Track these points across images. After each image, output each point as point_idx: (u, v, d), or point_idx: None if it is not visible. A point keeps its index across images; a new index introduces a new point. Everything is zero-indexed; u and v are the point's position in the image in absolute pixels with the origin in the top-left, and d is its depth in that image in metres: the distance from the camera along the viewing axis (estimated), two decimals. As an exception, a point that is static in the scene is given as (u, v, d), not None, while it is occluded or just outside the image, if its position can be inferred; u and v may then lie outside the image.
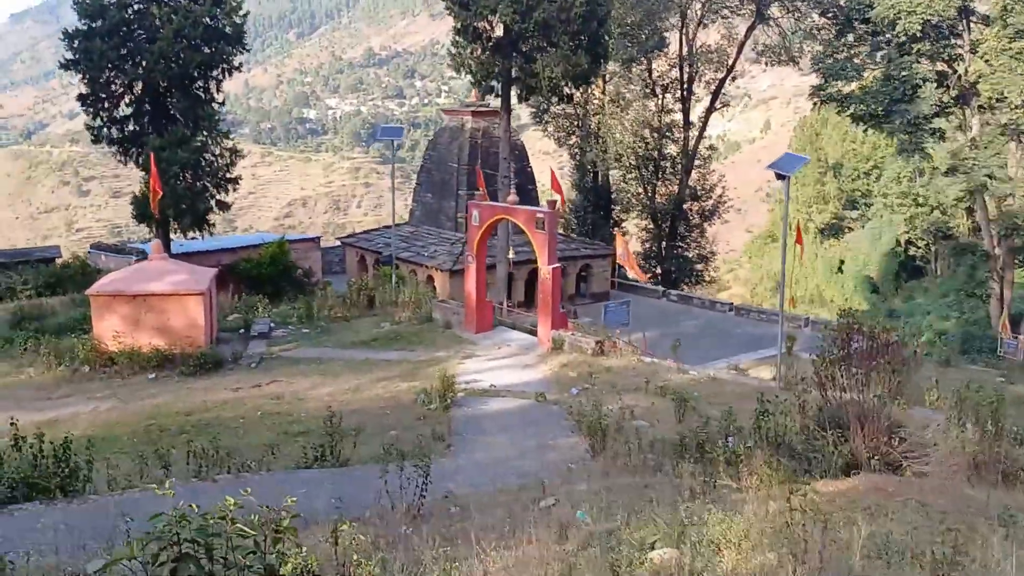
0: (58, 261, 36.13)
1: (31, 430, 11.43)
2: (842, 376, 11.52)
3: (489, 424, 16.21)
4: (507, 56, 27.48)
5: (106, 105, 34.44)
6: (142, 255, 35.90)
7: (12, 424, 11.00)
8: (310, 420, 17.09)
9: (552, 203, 22.84)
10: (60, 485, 10.52)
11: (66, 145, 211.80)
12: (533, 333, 24.98)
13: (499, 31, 26.67)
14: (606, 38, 28.55)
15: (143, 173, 34.90)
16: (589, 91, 45.07)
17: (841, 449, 10.41)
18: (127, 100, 34.99)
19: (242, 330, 25.68)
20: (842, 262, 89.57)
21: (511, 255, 27.68)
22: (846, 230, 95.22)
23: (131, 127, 35.13)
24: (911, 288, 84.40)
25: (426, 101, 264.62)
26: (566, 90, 28.41)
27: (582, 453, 14.21)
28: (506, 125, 29.88)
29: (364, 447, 14.10)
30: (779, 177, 17.88)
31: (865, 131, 43.62)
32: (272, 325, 25.80)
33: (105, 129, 34.39)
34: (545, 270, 22.45)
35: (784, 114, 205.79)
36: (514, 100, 31.76)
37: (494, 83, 29.07)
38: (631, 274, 35.47)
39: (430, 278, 37.96)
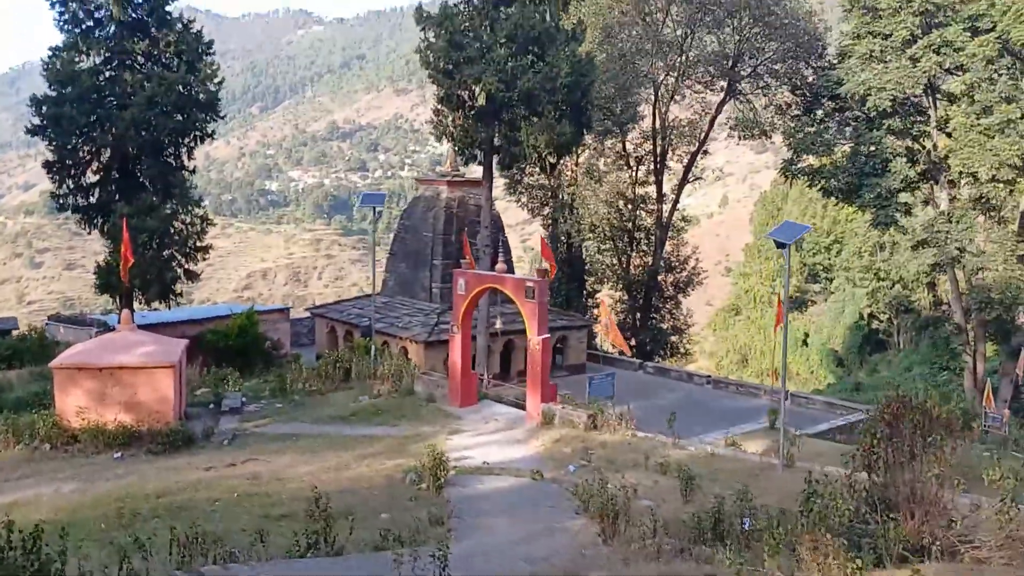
0: (14, 333, 34.57)
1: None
2: (890, 454, 10.81)
3: (487, 505, 15.22)
4: (490, 124, 27.20)
5: (72, 172, 33.50)
6: (103, 327, 34.56)
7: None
8: (292, 502, 15.94)
9: (542, 271, 22.27)
10: (28, 582, 9.35)
11: (20, 216, 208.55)
12: (518, 406, 24.12)
13: (481, 99, 26.38)
14: (589, 108, 28.49)
15: (108, 242, 33.85)
16: (562, 162, 45.25)
17: (898, 533, 9.64)
18: (94, 168, 34.10)
19: (212, 404, 24.47)
20: (806, 335, 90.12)
21: (499, 325, 26.91)
22: (809, 303, 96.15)
23: (97, 195, 34.16)
24: (875, 361, 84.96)
25: (389, 174, 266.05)
26: (549, 159, 28.16)
27: (592, 537, 13.28)
28: (488, 193, 29.48)
29: (357, 532, 13.01)
30: (779, 246, 17.49)
31: (836, 204, 43.86)
32: (244, 399, 24.64)
33: (71, 197, 33.33)
34: (535, 340, 21.72)
35: (740, 190, 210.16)
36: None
37: (476, 151, 28.69)
38: (607, 345, 34.79)
39: (404, 349, 36.93)
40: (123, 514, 14.98)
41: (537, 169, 45.63)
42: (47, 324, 37.35)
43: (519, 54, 25.38)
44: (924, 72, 36.79)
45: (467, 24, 26.20)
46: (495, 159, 28.76)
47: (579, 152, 45.06)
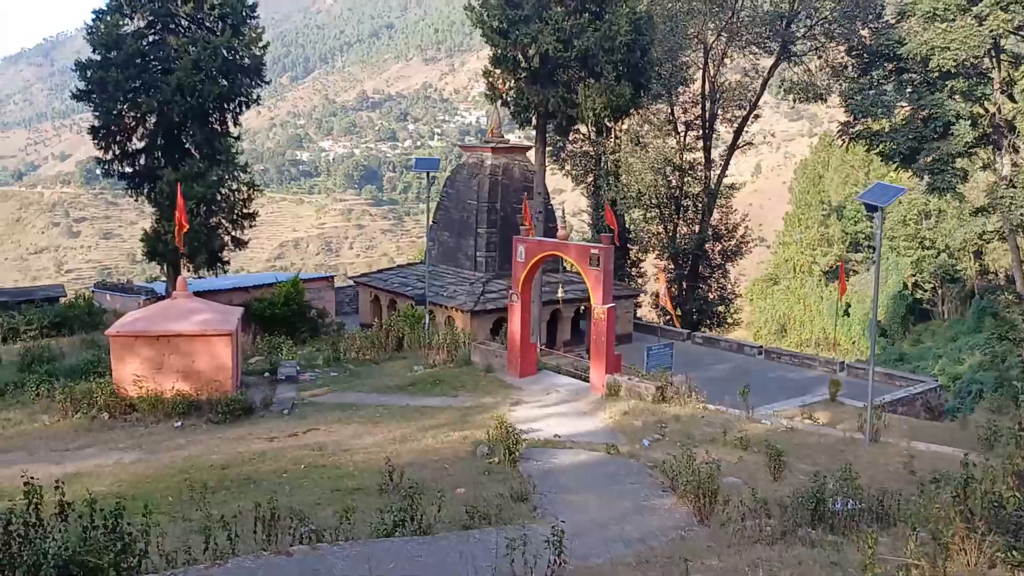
0: (62, 300, 34.41)
1: (51, 485, 9.72)
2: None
3: (567, 480, 14.56)
4: (545, 86, 26.24)
5: (117, 138, 33.06)
6: (151, 295, 34.30)
7: (29, 483, 9.21)
8: (362, 475, 15.42)
9: (607, 237, 21.44)
10: (113, 563, 8.81)
11: (57, 186, 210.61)
12: (578, 377, 23.42)
13: (537, 60, 25.42)
14: (648, 68, 27.42)
15: (154, 209, 33.49)
16: (606, 129, 44.16)
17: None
18: (139, 134, 33.65)
19: (266, 373, 24.04)
20: (848, 305, 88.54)
21: (561, 294, 26.17)
22: (851, 272, 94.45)
23: (143, 161, 33.74)
24: (918, 331, 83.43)
25: (419, 144, 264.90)
26: (606, 122, 27.20)
27: (685, 517, 12.59)
28: (541, 159, 28.62)
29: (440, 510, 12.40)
30: (870, 209, 16.55)
31: (895, 170, 42.32)
32: (298, 368, 24.17)
33: (117, 163, 32.92)
34: (600, 309, 20.95)
35: (774, 159, 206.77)
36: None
37: (531, 115, 27.74)
38: (653, 315, 33.92)
39: (450, 319, 36.38)
40: (191, 487, 14.52)
41: (581, 135, 44.61)
42: (94, 291, 37.17)
43: (577, 12, 24.38)
44: (991, 31, 35.25)
45: (522, -20, 25.19)
46: (549, 123, 27.81)
47: (624, 118, 44.01)
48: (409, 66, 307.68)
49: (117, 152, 32.97)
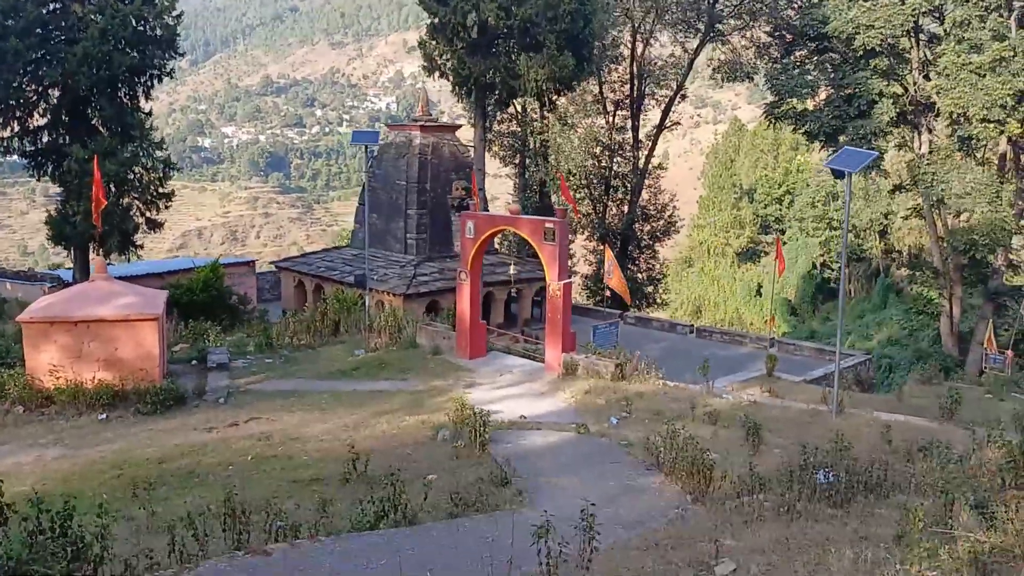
0: (-44, 290, 31.75)
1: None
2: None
3: (543, 463, 13.71)
4: (486, 58, 25.20)
5: (17, 114, 30.56)
6: (57, 282, 31.97)
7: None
8: (318, 464, 14.28)
9: (563, 211, 20.59)
10: (66, 571, 7.54)
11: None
12: (529, 357, 22.60)
13: (475, 31, 24.36)
14: (591, 40, 26.66)
15: (60, 190, 31.18)
16: (532, 108, 43.36)
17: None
18: (41, 109, 31.21)
19: (194, 361, 22.43)
20: (760, 285, 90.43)
21: (512, 271, 25.22)
22: (762, 254, 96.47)
23: (46, 139, 31.32)
24: (827, 310, 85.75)
25: (327, 130, 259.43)
26: (549, 96, 26.30)
27: (677, 496, 11.91)
28: (482, 134, 27.64)
29: (416, 497, 11.39)
30: (837, 176, 16.17)
31: (808, 152, 42.77)
32: (229, 355, 22.63)
33: (17, 140, 30.42)
34: (555, 286, 20.14)
35: (681, 144, 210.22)
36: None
37: (470, 87, 26.63)
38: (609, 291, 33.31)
39: (381, 303, 35.05)
40: (129, 483, 13.10)
41: (508, 115, 43.68)
42: (-10, 280, 34.48)
43: (519, -21, 23.46)
44: (912, 10, 35.82)
45: (461, -54, 24.05)
46: (489, 97, 26.77)
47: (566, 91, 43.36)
48: (315, 50, 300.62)
49: (17, 129, 30.44)
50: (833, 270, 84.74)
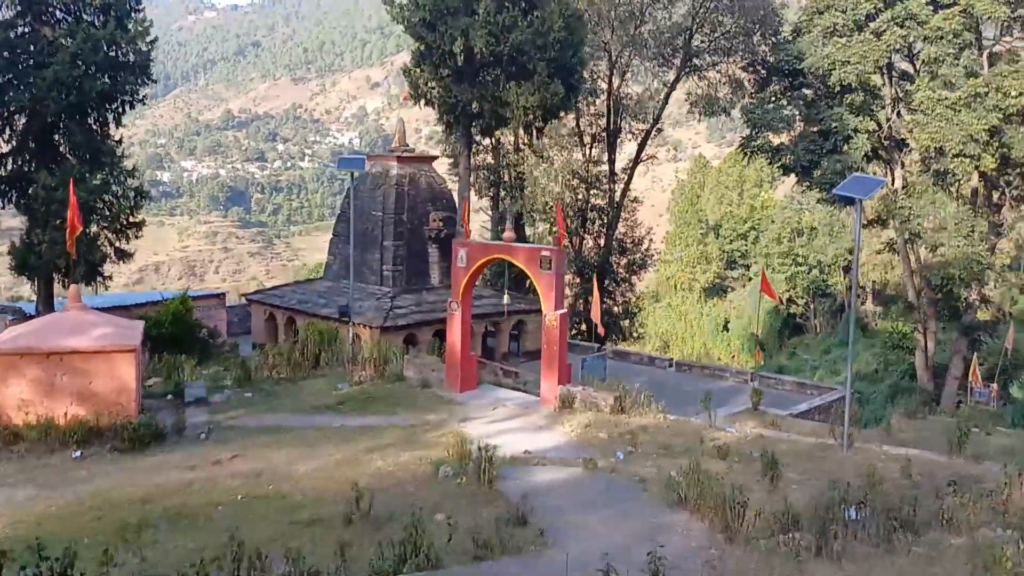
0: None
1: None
2: None
3: (558, 501, 12.99)
4: (473, 86, 24.73)
5: (-20, 140, 29.42)
6: (19, 314, 30.64)
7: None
8: (315, 504, 13.43)
9: (558, 239, 20.04)
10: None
11: None
12: (520, 390, 21.90)
13: (462, 58, 23.91)
14: (580, 68, 26.34)
15: (24, 218, 29.97)
16: (505, 140, 43.04)
17: None
18: (5, 136, 30.06)
19: (170, 395, 21.39)
20: (727, 320, 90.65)
21: (506, 300, 24.52)
22: (729, 289, 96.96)
23: (10, 166, 30.15)
24: (793, 344, 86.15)
25: (289, 164, 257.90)
26: (536, 124, 25.86)
27: (706, 535, 11.26)
28: (466, 163, 27.07)
29: (424, 537, 10.60)
30: (846, 202, 15.84)
31: (772, 188, 42.85)
32: (207, 389, 21.62)
33: (-21, 168, 29.27)
34: (552, 316, 19.52)
35: (642, 183, 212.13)
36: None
37: (455, 116, 26.08)
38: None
39: (356, 336, 34.12)
40: (112, 526, 12.13)
41: (483, 147, 43.27)
42: (-55, 314, 32.98)
43: (508, 5, 23.06)
44: (887, 46, 36.23)
45: (449, -29, 23.65)
46: (474, 125, 26.27)
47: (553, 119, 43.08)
48: (277, 85, 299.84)
49: (-20, 155, 29.29)
50: (799, 305, 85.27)
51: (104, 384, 17.85)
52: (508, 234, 21.24)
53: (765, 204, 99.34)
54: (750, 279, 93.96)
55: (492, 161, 43.51)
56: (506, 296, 23.97)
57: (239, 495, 14.02)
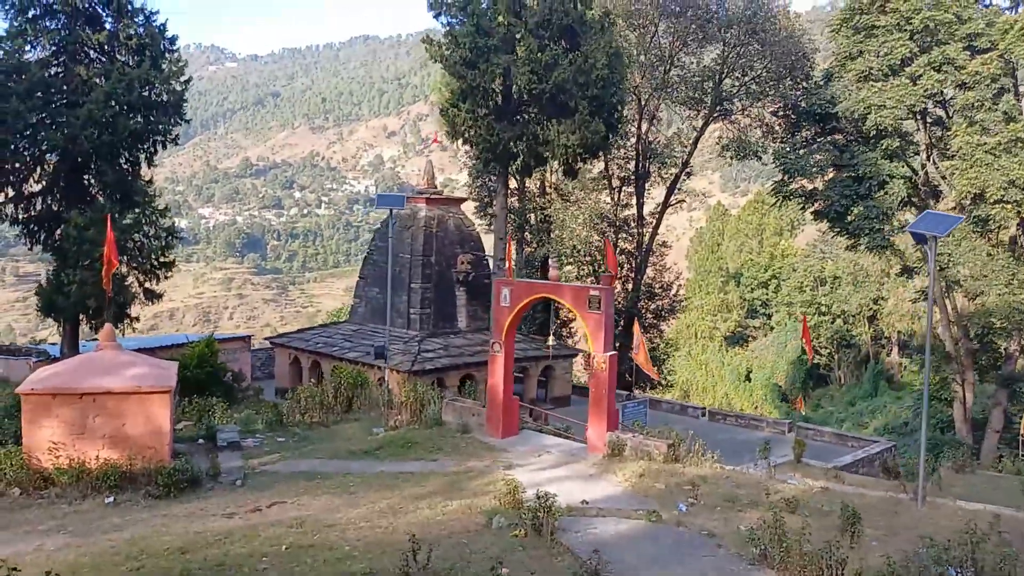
0: (-65, 364, 29.79)
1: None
2: None
3: (629, 556, 12.13)
4: (512, 124, 24.29)
5: (11, 179, 29.15)
6: (43, 356, 30.14)
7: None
8: (365, 555, 12.59)
9: (609, 278, 19.39)
10: None
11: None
12: (563, 436, 21.06)
13: (501, 97, 23.51)
14: (620, 107, 25.92)
15: (52, 257, 29.62)
16: (530, 183, 42.71)
17: None
18: (36, 175, 29.86)
19: (200, 440, 20.65)
20: (749, 370, 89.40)
21: (551, 343, 23.78)
22: (750, 338, 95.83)
23: (39, 206, 29.89)
24: (818, 396, 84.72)
25: (305, 212, 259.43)
26: (574, 163, 25.33)
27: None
28: (503, 201, 26.58)
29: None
30: (919, 240, 15.15)
31: (832, 228, 42.05)
32: (239, 433, 20.88)
33: (10, 207, 28.94)
34: (600, 358, 18.79)
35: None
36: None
37: (493, 155, 25.59)
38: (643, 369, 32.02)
39: (382, 380, 33.40)
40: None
41: (509, 190, 42.94)
42: (-31, 355, 32.58)
43: (551, 42, 22.70)
44: (925, 90, 35.76)
45: (490, 10, 23.34)
46: (512, 165, 25.79)
47: (552, 170, 42.67)
48: (295, 134, 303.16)
49: (11, 194, 28.98)
50: (822, 355, 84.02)
51: (138, 426, 17.13)
52: (553, 272, 20.70)
53: (786, 252, 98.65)
54: (772, 328, 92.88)
55: (517, 204, 43.15)
56: (551, 338, 23.19)
57: (283, 545, 13.20)
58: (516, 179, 31.46)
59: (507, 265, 22.70)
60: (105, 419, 16.93)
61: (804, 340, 31.79)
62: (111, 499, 15.76)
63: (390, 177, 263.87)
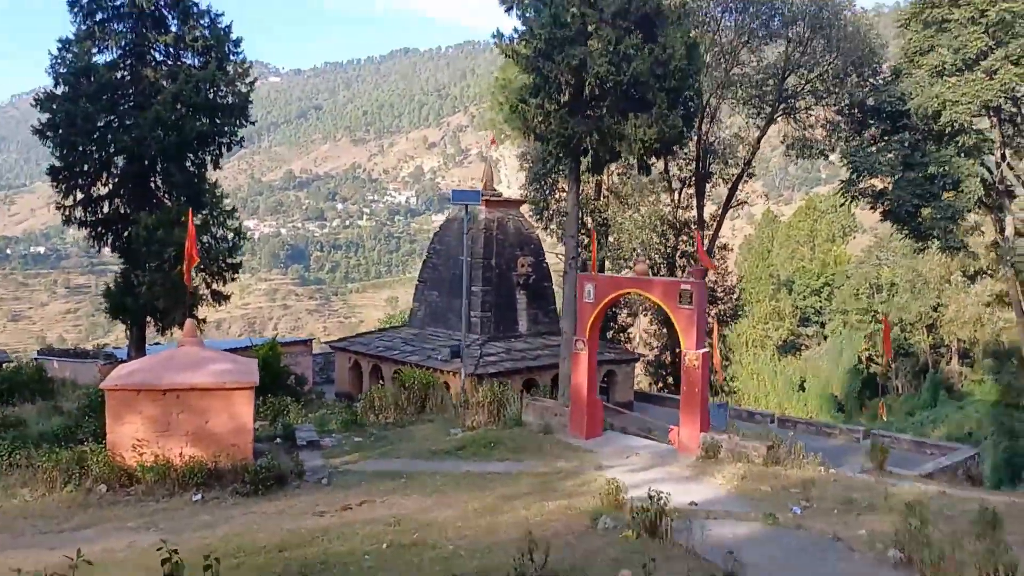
0: (5, 366, 29.81)
1: None
2: None
3: (758, 560, 11.34)
4: (585, 118, 23.66)
5: (79, 182, 29.19)
6: (110, 359, 30.10)
7: None
8: (476, 554, 11.98)
9: (701, 272, 18.69)
10: None
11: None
12: (647, 438, 20.33)
13: (575, 89, 22.91)
14: (697, 99, 25.19)
15: (121, 259, 29.59)
16: (587, 185, 42.02)
17: None
18: (103, 178, 29.88)
19: (278, 439, 20.25)
20: (803, 380, 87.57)
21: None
22: (803, 347, 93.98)
23: (106, 208, 29.89)
24: (875, 406, 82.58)
25: (347, 223, 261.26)
26: (647, 159, 24.61)
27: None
28: (574, 198, 25.91)
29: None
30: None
31: (899, 230, 40.80)
32: (317, 433, 20.48)
33: (79, 209, 28.97)
34: (693, 355, 18.05)
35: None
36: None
37: (564, 150, 24.88)
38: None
39: (446, 384, 32.89)
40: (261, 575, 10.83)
41: (563, 191, 42.35)
42: (36, 358, 32.68)
43: (628, 32, 22.06)
44: (1003, 84, 34.52)
45: (565, 0, 22.72)
46: (582, 160, 25.14)
47: (609, 173, 41.97)
48: (337, 147, 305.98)
49: (80, 197, 29.00)
50: (879, 364, 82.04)
51: (221, 423, 16.74)
52: (640, 267, 19.91)
53: (839, 259, 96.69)
54: (825, 336, 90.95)
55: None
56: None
57: (383, 544, 12.64)
58: (599, 173, 30.66)
59: (592, 259, 22.04)
60: (189, 415, 16.57)
61: (884, 343, 30.63)
62: (199, 496, 15.36)
63: (430, 188, 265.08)
